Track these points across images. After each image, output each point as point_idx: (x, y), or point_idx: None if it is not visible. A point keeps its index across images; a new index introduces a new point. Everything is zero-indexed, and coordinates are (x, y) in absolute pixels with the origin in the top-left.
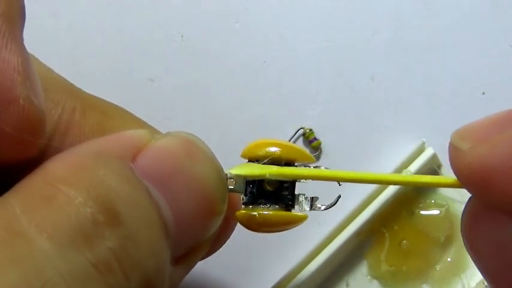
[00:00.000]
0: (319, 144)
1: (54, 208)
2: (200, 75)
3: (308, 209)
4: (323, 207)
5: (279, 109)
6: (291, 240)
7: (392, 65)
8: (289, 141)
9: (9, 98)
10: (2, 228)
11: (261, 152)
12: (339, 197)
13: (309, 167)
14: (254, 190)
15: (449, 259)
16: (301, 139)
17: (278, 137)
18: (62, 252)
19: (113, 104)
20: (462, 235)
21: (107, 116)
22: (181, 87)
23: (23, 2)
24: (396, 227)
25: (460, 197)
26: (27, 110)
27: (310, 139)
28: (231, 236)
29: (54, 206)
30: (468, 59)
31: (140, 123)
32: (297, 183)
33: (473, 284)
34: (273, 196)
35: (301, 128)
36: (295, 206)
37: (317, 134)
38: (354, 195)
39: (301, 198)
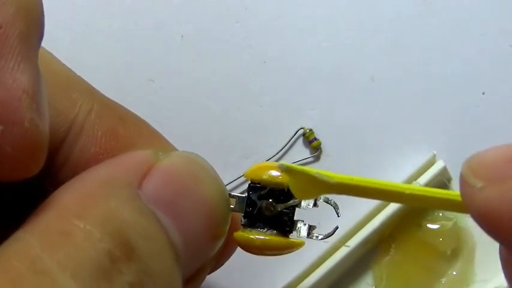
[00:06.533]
0: (319, 144)
1: (73, 244)
2: (200, 75)
3: (305, 236)
4: (320, 237)
5: (279, 109)
6: None
7: (393, 65)
8: (289, 141)
9: (14, 119)
10: (26, 267)
11: (264, 176)
12: (337, 228)
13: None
14: (254, 212)
15: (454, 273)
16: (301, 139)
17: (278, 137)
18: None
19: (129, 110)
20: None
21: (122, 121)
22: (181, 87)
23: (43, 20)
24: (403, 239)
25: None
26: (30, 133)
27: (310, 139)
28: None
29: (72, 242)
30: (468, 59)
31: (154, 133)
32: (296, 209)
33: None
34: (271, 220)
35: (301, 128)
36: (293, 232)
37: (317, 134)
38: (362, 204)
39: (299, 224)
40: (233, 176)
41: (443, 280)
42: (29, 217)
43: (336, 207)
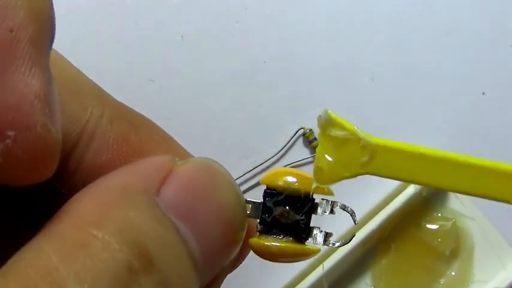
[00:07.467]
0: None
1: (91, 255)
2: (200, 75)
3: (322, 243)
4: (337, 244)
5: (279, 109)
6: None
7: (393, 65)
8: (289, 141)
9: (27, 124)
10: (42, 278)
11: (279, 182)
12: (353, 235)
13: (328, 201)
14: (270, 219)
15: (453, 273)
16: (301, 139)
17: (278, 137)
18: None
19: (141, 114)
20: None
21: (134, 127)
22: (181, 87)
23: (54, 22)
24: (402, 239)
25: (467, 212)
26: (42, 138)
27: (310, 139)
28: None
29: (90, 253)
30: (468, 59)
31: (166, 138)
32: (312, 215)
33: None
34: (287, 226)
35: (301, 128)
36: (309, 239)
37: (317, 134)
38: (361, 205)
39: (315, 231)
40: (232, 176)
41: (442, 280)
42: (45, 225)
43: (352, 214)
